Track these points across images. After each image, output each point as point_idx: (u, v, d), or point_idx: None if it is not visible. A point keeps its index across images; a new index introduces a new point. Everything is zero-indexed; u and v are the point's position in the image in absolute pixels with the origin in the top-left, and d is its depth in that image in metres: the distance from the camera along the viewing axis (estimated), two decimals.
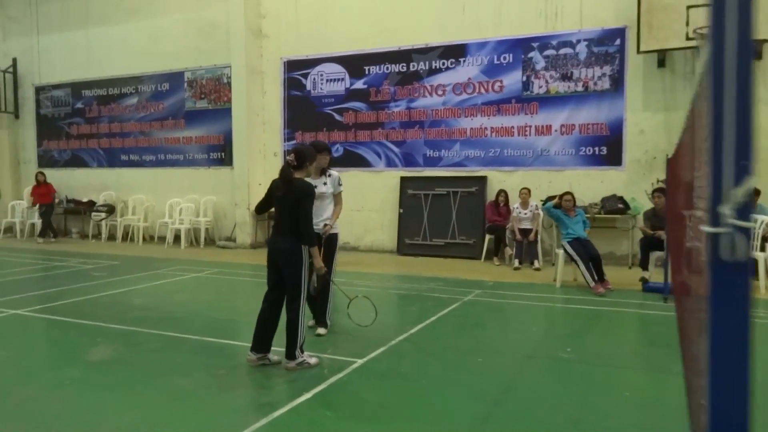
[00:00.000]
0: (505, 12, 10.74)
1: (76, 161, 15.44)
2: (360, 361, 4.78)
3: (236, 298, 8.11)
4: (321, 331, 5.72)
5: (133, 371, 4.60)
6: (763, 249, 7.87)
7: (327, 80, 12.37)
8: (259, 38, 12.89)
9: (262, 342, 4.68)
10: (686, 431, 3.50)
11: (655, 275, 8.03)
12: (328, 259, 5.66)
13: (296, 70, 12.67)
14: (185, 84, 13.82)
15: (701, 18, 8.64)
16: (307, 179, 4.92)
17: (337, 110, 12.31)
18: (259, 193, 12.93)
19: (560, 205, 8.24)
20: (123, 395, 4.10)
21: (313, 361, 4.67)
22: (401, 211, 11.68)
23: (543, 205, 10.07)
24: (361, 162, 12.12)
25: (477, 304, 7.22)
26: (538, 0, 10.50)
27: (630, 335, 6.12)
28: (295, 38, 12.58)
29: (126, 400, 3.99)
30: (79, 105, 15.28)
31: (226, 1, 12.74)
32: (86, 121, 15.22)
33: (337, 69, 12.26)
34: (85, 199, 14.96)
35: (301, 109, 12.66)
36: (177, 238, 13.17)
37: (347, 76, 12.16)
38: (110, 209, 14.55)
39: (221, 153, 13.50)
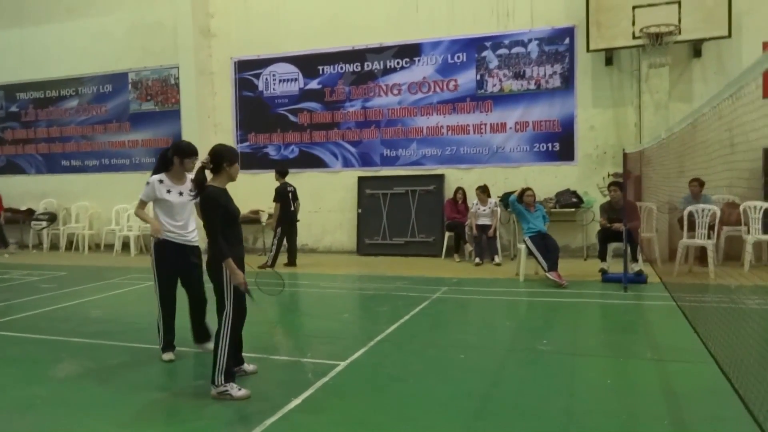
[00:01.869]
0: (458, 11, 10.87)
1: (12, 168, 14.61)
2: (343, 364, 4.73)
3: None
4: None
5: (106, 387, 4.38)
6: (709, 237, 8.29)
7: (280, 80, 12.19)
8: (208, 38, 12.56)
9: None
10: (666, 413, 3.66)
11: (613, 266, 8.32)
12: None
13: (248, 70, 12.42)
14: (129, 85, 13.31)
15: (647, 17, 9.04)
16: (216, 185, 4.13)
17: (292, 111, 12.14)
18: None
19: (522, 200, 8.41)
20: (100, 414, 3.90)
21: (237, 393, 4.02)
22: (360, 211, 11.64)
23: (500, 200, 10.32)
24: (317, 163, 12.01)
25: (446, 301, 7.28)
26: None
27: (599, 324, 6.32)
28: (245, 38, 12.32)
29: (104, 420, 3.79)
30: (14, 108, 14.46)
31: (173, 0, 12.35)
32: (22, 126, 14.43)
33: (290, 69, 12.09)
34: (23, 208, 14.17)
35: (254, 110, 12.42)
36: (125, 246, 12.67)
37: (301, 76, 12.02)
38: (52, 217, 13.85)
39: None
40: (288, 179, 10.27)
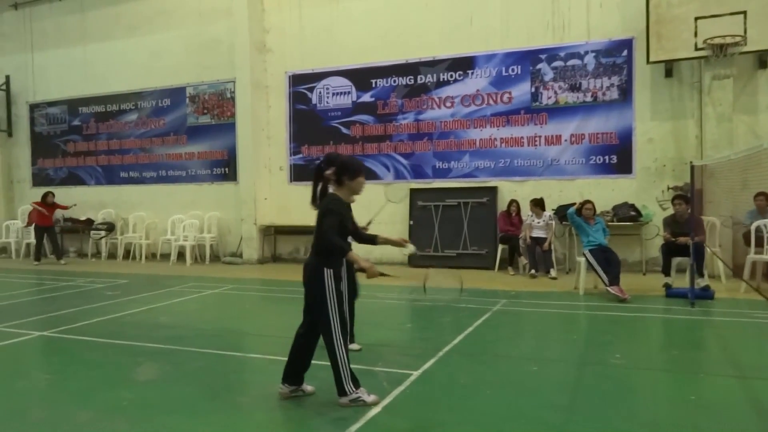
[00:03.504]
0: (513, 24, 10.90)
1: (73, 179, 15.20)
2: (416, 373, 4.75)
3: (262, 313, 8.03)
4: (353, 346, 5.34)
5: (190, 390, 4.50)
6: None
7: (333, 94, 12.39)
8: (263, 53, 12.88)
9: (293, 373, 4.20)
10: (757, 428, 3.55)
11: (677, 281, 8.15)
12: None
13: (301, 84, 12.67)
14: (187, 99, 13.72)
15: (710, 29, 8.89)
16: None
17: (344, 123, 12.32)
18: (265, 208, 12.95)
19: (581, 213, 8.33)
20: (189, 416, 4.01)
21: (370, 399, 4.01)
22: (411, 222, 11.69)
23: (555, 213, 10.23)
24: (369, 175, 12.01)
25: (508, 314, 7.24)
26: (545, 12, 10.68)
27: (670, 340, 6.18)
28: (299, 52, 12.60)
29: (195, 421, 3.90)
30: (76, 122, 15.08)
31: (230, 17, 12.74)
32: (83, 138, 15.02)
33: (343, 82, 12.29)
34: (82, 218, 14.70)
35: (307, 122, 12.65)
36: (180, 255, 13.01)
37: (354, 89, 12.20)
38: (110, 227, 14.33)
39: (225, 168, 13.41)
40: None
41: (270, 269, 12.08)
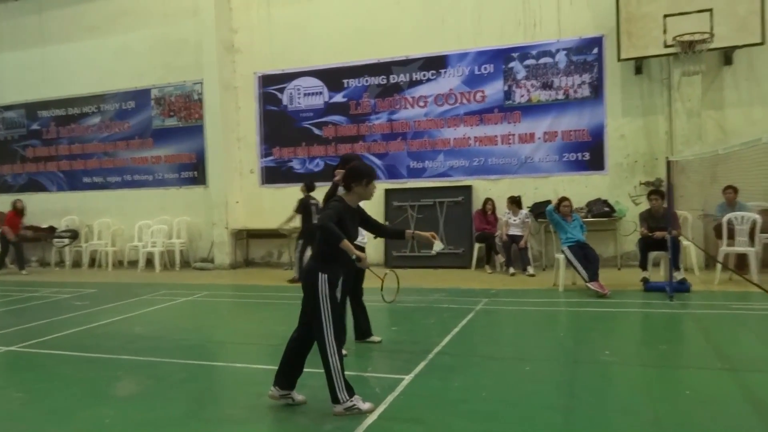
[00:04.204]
0: (485, 23, 10.91)
1: (34, 186, 14.63)
2: (408, 377, 4.66)
3: (241, 320, 7.82)
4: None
5: (176, 405, 4.31)
6: (750, 244, 8.23)
7: (304, 94, 12.21)
8: (232, 53, 12.61)
9: (284, 377, 4.08)
10: (761, 425, 3.58)
11: (654, 275, 8.26)
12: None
13: (271, 84, 12.45)
14: (152, 101, 13.34)
15: (678, 26, 9.05)
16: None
17: (316, 124, 12.16)
18: (237, 212, 12.68)
19: (558, 210, 8.37)
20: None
21: (365, 406, 3.90)
22: (387, 223, 11.59)
23: (531, 210, 10.28)
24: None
25: (492, 313, 7.21)
26: (516, 11, 10.72)
27: (655, 334, 6.23)
28: (269, 52, 12.37)
29: None
30: (35, 126, 14.51)
31: (196, 17, 12.43)
32: (43, 143, 14.46)
33: (314, 83, 12.12)
34: (44, 225, 14.15)
35: (278, 124, 12.44)
36: (149, 262, 12.64)
37: (325, 89, 12.05)
38: (74, 234, 13.83)
39: (194, 171, 13.08)
40: (314, 192, 10.18)
41: (243, 274, 11.83)
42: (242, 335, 6.75)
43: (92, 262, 13.50)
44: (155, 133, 13.39)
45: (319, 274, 3.87)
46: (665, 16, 9.19)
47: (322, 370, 3.92)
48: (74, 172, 14.21)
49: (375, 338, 5.82)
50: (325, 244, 3.93)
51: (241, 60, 12.62)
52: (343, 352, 5.31)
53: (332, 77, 11.98)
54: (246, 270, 12.42)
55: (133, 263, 13.00)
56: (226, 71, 12.49)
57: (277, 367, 4.16)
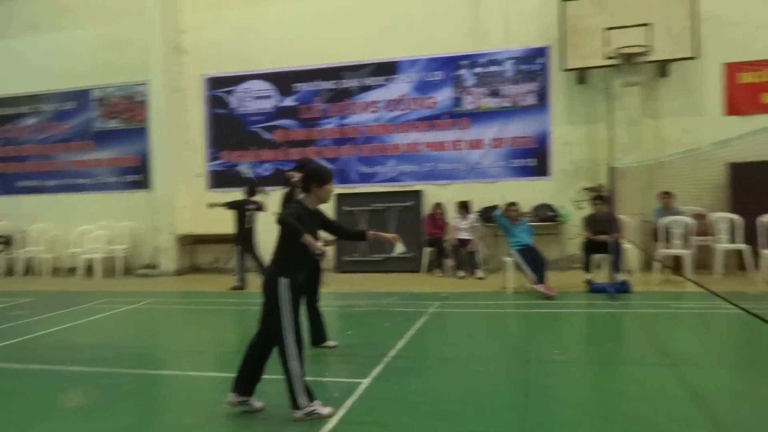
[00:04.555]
0: (435, 31, 11.09)
1: None
2: (366, 381, 4.68)
3: (189, 327, 7.63)
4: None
5: (128, 416, 4.18)
6: (685, 247, 8.68)
7: (254, 98, 12.07)
8: (179, 54, 12.33)
9: (244, 383, 4.02)
10: (703, 417, 3.79)
11: (598, 276, 8.58)
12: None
13: (220, 87, 12.25)
14: (93, 102, 12.87)
15: (619, 39, 9.47)
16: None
17: (266, 128, 12.03)
18: (183, 217, 12.37)
19: (506, 215, 8.59)
20: None
21: (325, 411, 3.91)
22: None
23: (479, 215, 10.51)
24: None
25: (444, 315, 7.33)
26: (465, 20, 10.96)
27: (600, 333, 6.49)
28: (217, 54, 12.16)
29: None
30: None
31: (142, 16, 12.08)
32: None
33: (264, 86, 12.00)
34: None
35: (227, 127, 12.24)
36: (89, 269, 12.16)
37: (276, 93, 11.94)
38: (7, 240, 13.16)
39: (137, 175, 12.69)
40: (261, 197, 10.05)
41: (190, 281, 11.56)
42: (192, 343, 6.60)
43: (27, 270, 12.88)
44: (96, 135, 12.92)
45: (280, 278, 3.85)
46: (607, 29, 9.59)
47: (280, 377, 3.90)
48: (8, 176, 13.53)
49: (330, 343, 5.82)
50: (286, 247, 3.92)
51: (189, 61, 12.35)
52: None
53: (282, 81, 11.90)
54: (193, 276, 12.13)
55: (72, 270, 12.48)
56: (172, 73, 12.20)
57: (232, 374, 4.10)
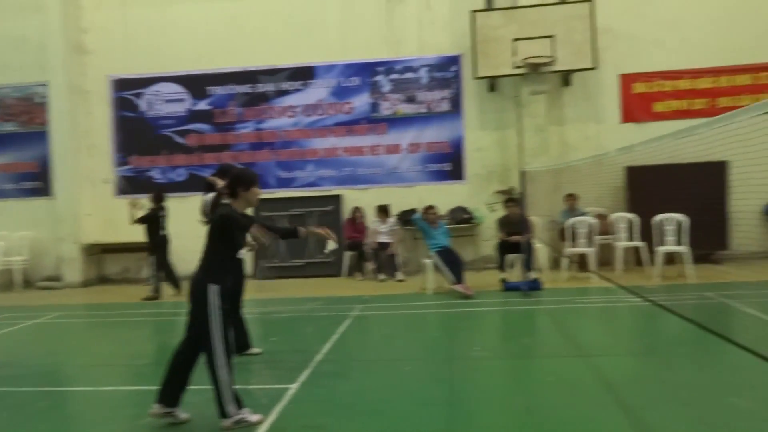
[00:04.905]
0: (351, 37, 11.20)
1: None
2: (293, 386, 4.67)
3: (100, 341, 7.24)
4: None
5: None
6: (589, 245, 9.27)
7: (165, 101, 11.65)
8: (82, 54, 11.69)
9: (169, 393, 3.90)
10: (613, 402, 4.09)
11: (511, 275, 8.98)
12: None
13: (127, 89, 11.73)
14: None
15: (526, 49, 9.98)
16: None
17: (179, 132, 11.65)
18: (89, 225, 11.72)
19: (425, 218, 8.82)
20: None
21: (255, 418, 3.87)
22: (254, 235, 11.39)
23: (398, 218, 10.71)
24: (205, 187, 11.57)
25: (368, 318, 7.41)
26: (381, 27, 11.15)
27: (516, 329, 6.81)
28: (124, 55, 11.64)
29: None
30: None
31: (40, 13, 11.34)
32: None
33: (176, 89, 11.62)
34: None
35: (136, 131, 11.74)
36: None
37: (189, 96, 11.60)
38: None
39: (37, 182, 11.88)
40: (177, 203, 9.72)
41: (97, 292, 10.96)
42: (105, 357, 6.28)
43: None
44: None
45: (209, 285, 3.78)
46: (514, 39, 10.09)
47: (206, 387, 3.82)
48: None
49: (255, 350, 5.74)
50: (216, 251, 3.86)
51: (93, 62, 11.74)
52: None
53: (195, 84, 11.58)
54: (101, 288, 11.51)
55: None
56: (74, 73, 11.54)
57: (152, 387, 3.97)
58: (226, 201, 4.14)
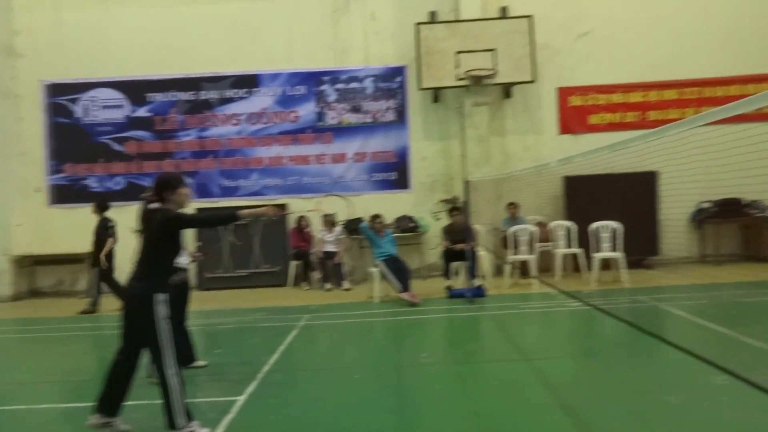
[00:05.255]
0: (296, 45, 11.18)
1: None
2: (241, 398, 4.61)
3: (36, 358, 6.91)
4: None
5: None
6: (530, 252, 9.57)
7: (103, 107, 11.28)
8: (12, 57, 11.18)
9: (108, 403, 3.80)
10: (554, 403, 4.25)
11: (456, 282, 9.15)
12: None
13: (62, 94, 11.28)
14: None
15: (469, 62, 10.25)
16: None
17: (117, 139, 11.30)
18: (19, 235, 11.19)
19: (371, 227, 8.88)
20: None
21: (202, 431, 3.78)
22: (200, 244, 11.15)
23: (344, 227, 10.73)
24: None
25: (315, 328, 7.39)
26: (326, 36, 11.19)
27: (462, 335, 6.96)
28: (59, 59, 11.20)
29: None
30: None
31: None
32: None
33: (114, 95, 11.28)
34: None
35: (71, 138, 11.29)
36: None
37: (127, 102, 11.27)
38: None
39: None
40: (114, 213, 9.38)
41: (29, 306, 10.44)
42: (40, 374, 6.01)
43: None
44: None
45: (155, 294, 3.71)
46: (457, 52, 10.33)
47: (148, 402, 3.75)
48: None
49: (200, 362, 5.63)
50: (159, 260, 3.80)
51: (24, 66, 11.23)
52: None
53: (135, 90, 11.27)
54: (32, 301, 10.96)
55: None
56: (4, 77, 11.03)
57: (91, 403, 3.84)
58: (156, 207, 4.06)
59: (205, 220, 4.18)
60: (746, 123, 4.75)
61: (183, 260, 5.46)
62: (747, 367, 4.29)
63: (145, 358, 3.94)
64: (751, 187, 8.88)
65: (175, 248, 3.96)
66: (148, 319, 3.69)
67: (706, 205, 10.63)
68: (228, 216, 4.11)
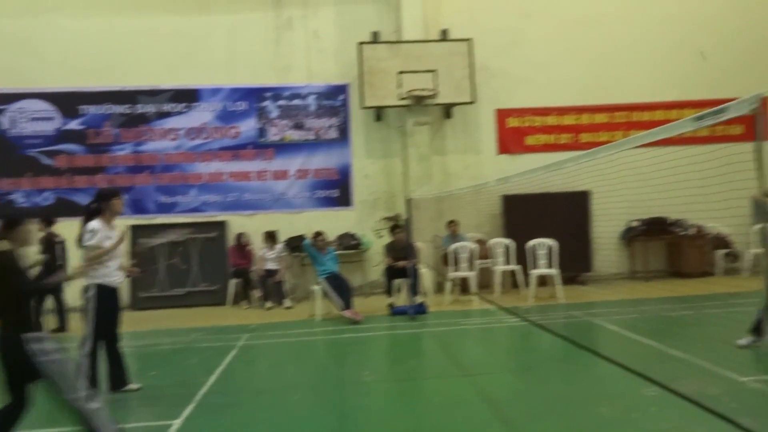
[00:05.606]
0: (238, 60, 11.07)
1: None
2: (177, 422, 4.45)
3: None
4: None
5: None
6: (471, 269, 9.73)
7: (31, 119, 10.78)
8: None
9: None
10: (494, 418, 4.32)
11: (398, 300, 9.19)
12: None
13: None
14: None
15: (410, 82, 10.43)
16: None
17: (46, 153, 10.81)
18: None
19: (314, 244, 8.83)
20: None
21: None
22: (133, 262, 10.75)
23: (286, 245, 10.63)
24: (77, 211, 10.77)
25: (255, 348, 7.23)
26: (268, 52, 11.13)
27: (403, 352, 6.96)
28: None
29: None
30: None
31: None
32: None
33: (44, 107, 10.80)
34: None
35: None
36: None
37: (58, 114, 10.82)
38: None
39: None
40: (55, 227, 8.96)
41: None
42: None
43: None
44: None
45: (23, 336, 3.44)
46: (399, 72, 10.50)
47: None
48: None
49: (133, 386, 5.40)
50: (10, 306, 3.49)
51: None
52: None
53: (66, 102, 10.84)
54: None
55: None
56: None
57: None
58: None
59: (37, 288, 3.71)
60: (670, 146, 5.03)
61: (116, 278, 5.29)
62: (673, 379, 4.52)
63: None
64: (675, 207, 9.40)
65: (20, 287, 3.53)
66: (29, 363, 3.42)
67: (634, 223, 11.15)
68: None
